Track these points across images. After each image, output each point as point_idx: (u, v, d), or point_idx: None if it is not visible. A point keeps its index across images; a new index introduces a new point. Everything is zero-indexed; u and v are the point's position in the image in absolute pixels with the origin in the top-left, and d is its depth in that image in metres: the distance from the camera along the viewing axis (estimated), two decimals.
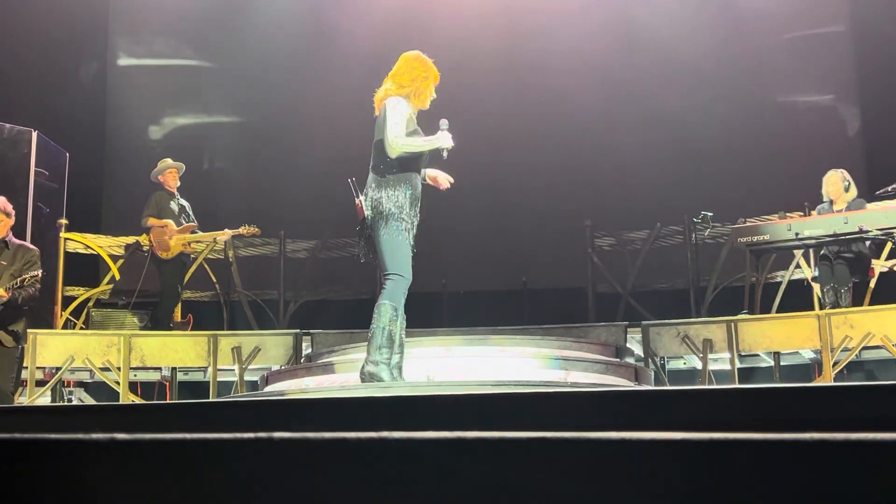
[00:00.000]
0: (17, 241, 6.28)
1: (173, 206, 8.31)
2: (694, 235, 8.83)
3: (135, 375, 7.62)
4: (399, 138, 4.84)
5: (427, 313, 8.98)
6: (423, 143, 4.94)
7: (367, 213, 4.85)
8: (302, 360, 7.35)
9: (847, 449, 0.86)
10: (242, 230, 8.43)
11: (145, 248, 8.44)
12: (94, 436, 0.90)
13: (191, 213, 8.46)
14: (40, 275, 5.99)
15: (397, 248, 4.86)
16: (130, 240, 8.93)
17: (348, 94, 10.68)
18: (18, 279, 5.84)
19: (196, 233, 8.35)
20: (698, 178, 10.19)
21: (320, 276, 10.02)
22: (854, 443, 0.86)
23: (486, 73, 10.68)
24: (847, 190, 7.50)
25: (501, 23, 10.98)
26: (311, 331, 7.83)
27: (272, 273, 9.66)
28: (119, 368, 7.21)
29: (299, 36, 11.16)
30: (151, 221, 8.18)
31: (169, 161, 8.50)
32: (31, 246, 6.34)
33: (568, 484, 0.88)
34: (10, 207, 6.26)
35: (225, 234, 8.50)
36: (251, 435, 0.89)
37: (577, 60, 10.65)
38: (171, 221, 8.16)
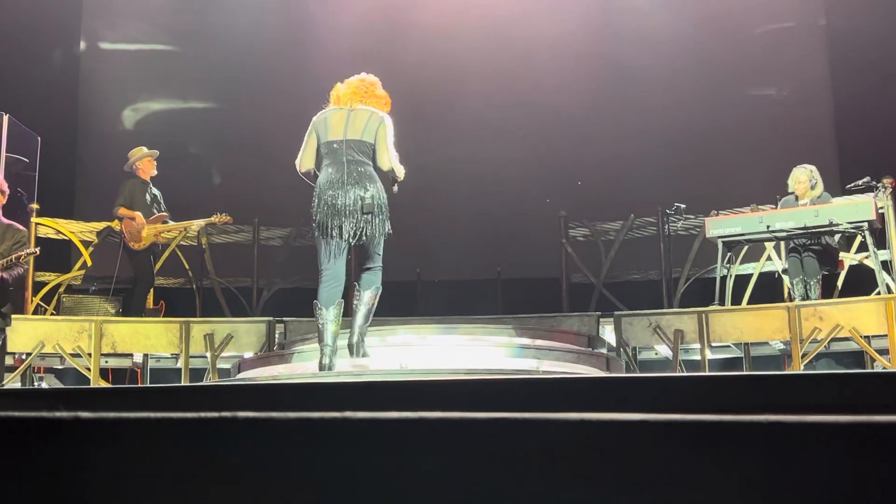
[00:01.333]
0: (6, 221, 6.20)
1: (146, 196, 8.26)
2: (667, 227, 8.90)
3: (106, 362, 7.56)
4: (398, 162, 5.33)
5: (401, 302, 8.99)
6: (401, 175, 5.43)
7: (369, 202, 5.13)
8: (275, 348, 7.33)
9: (799, 429, 0.89)
10: (214, 219, 8.43)
11: (118, 230, 8.39)
12: (58, 414, 0.91)
13: (162, 202, 8.43)
14: (38, 251, 5.93)
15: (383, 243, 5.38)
16: (101, 225, 8.87)
17: (324, 83, 10.64)
18: (13, 256, 5.77)
19: (168, 223, 8.33)
20: (672, 170, 10.26)
21: (294, 263, 9.99)
22: (807, 424, 0.88)
23: (462, 64, 10.68)
24: (813, 187, 7.58)
25: (480, 14, 10.98)
26: (284, 318, 7.81)
27: (246, 260, 9.62)
28: (90, 355, 7.16)
29: (276, 22, 11.11)
30: (122, 212, 8.14)
31: (145, 150, 8.41)
32: (20, 226, 6.26)
33: (528, 462, 0.89)
34: (5, 185, 6.18)
35: (197, 224, 8.48)
36: (215, 414, 0.89)
37: (552, 52, 10.67)
38: (139, 213, 8.11)
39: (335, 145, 5.25)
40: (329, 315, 5.20)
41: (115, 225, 8.44)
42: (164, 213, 8.31)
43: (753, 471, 0.93)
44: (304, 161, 5.39)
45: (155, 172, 8.39)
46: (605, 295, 9.36)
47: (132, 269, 8.22)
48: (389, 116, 5.37)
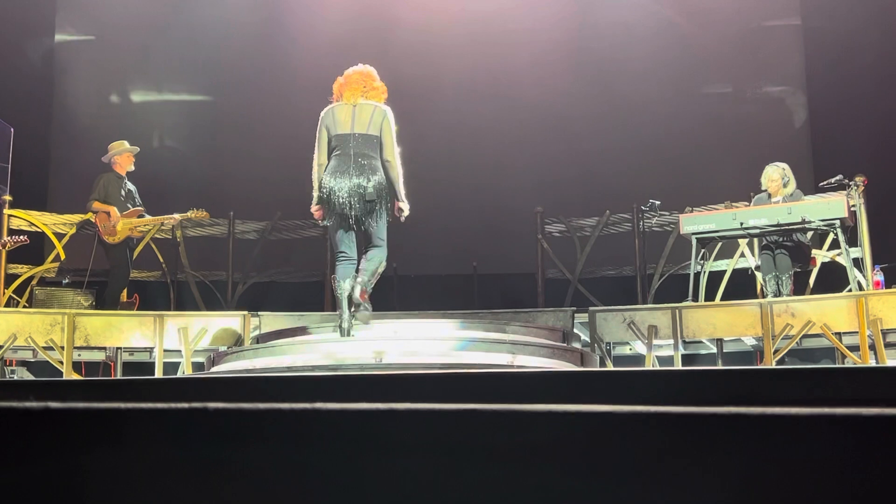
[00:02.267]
0: None
1: (121, 190, 8.25)
2: (642, 223, 8.95)
3: (79, 355, 7.51)
4: (398, 158, 5.92)
5: (378, 296, 8.95)
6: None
7: (371, 192, 5.67)
8: (249, 342, 7.31)
9: (763, 421, 0.90)
10: (191, 214, 8.44)
11: (93, 222, 8.32)
12: (28, 404, 0.91)
13: (137, 197, 8.41)
14: (27, 240, 5.91)
15: (386, 225, 5.91)
16: (76, 217, 8.80)
17: (301, 76, 10.61)
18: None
19: (143, 217, 8.33)
20: (647, 166, 10.31)
21: (269, 257, 9.97)
22: (770, 416, 0.90)
23: (439, 58, 10.68)
24: (785, 185, 7.64)
25: (457, 9, 10.97)
26: (259, 312, 7.80)
27: (221, 254, 9.59)
28: (63, 348, 7.11)
29: (254, 15, 11.05)
30: (96, 205, 8.13)
31: (126, 144, 8.41)
32: None
33: (497, 452, 0.90)
34: None
35: (173, 219, 8.47)
36: (185, 405, 0.90)
37: (530, 48, 10.69)
38: (114, 208, 8.11)
39: (343, 138, 5.79)
40: (346, 286, 5.75)
41: (92, 218, 8.39)
42: (140, 208, 8.32)
43: (719, 459, 0.94)
44: (320, 157, 5.88)
45: (132, 168, 8.39)
46: (580, 290, 9.41)
47: (107, 263, 8.22)
48: (389, 109, 5.92)
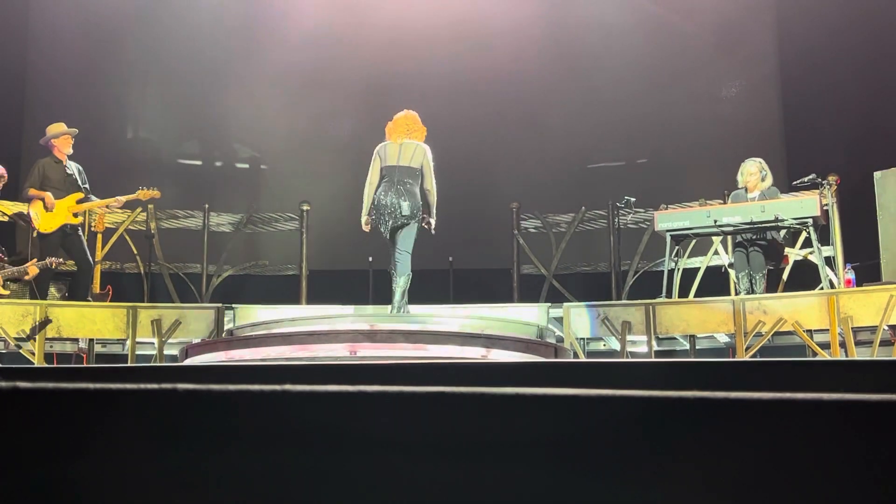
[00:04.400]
0: None
1: (59, 175, 7.88)
2: (617, 220, 9.00)
3: (51, 347, 7.46)
4: (434, 184, 7.34)
5: (353, 290, 9.00)
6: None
7: (406, 211, 7.05)
8: (223, 335, 7.29)
9: (734, 405, 0.92)
10: (139, 194, 8.07)
11: (26, 212, 7.98)
12: None
13: (82, 179, 8.00)
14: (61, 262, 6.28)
15: (414, 240, 7.19)
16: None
17: (278, 67, 10.57)
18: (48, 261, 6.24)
19: (86, 201, 8.01)
20: (623, 164, 10.36)
21: (244, 250, 9.93)
22: (741, 401, 0.92)
23: (416, 52, 10.67)
24: (763, 179, 7.69)
25: (435, 6, 10.97)
26: (233, 305, 7.77)
27: (195, 246, 9.54)
28: (34, 339, 7.05)
29: (230, 3, 10.99)
30: (32, 192, 7.80)
31: (63, 126, 8.02)
32: None
33: (462, 433, 0.91)
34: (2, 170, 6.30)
35: (117, 201, 8.07)
36: (155, 386, 0.90)
37: (508, 45, 10.71)
38: (49, 194, 7.77)
39: (390, 169, 7.18)
40: (400, 281, 7.08)
41: (25, 208, 7.95)
42: (81, 193, 8.02)
43: (692, 443, 0.96)
44: (372, 179, 7.27)
45: (70, 151, 7.99)
46: (555, 286, 9.45)
47: (38, 254, 7.86)
48: (428, 147, 7.30)
